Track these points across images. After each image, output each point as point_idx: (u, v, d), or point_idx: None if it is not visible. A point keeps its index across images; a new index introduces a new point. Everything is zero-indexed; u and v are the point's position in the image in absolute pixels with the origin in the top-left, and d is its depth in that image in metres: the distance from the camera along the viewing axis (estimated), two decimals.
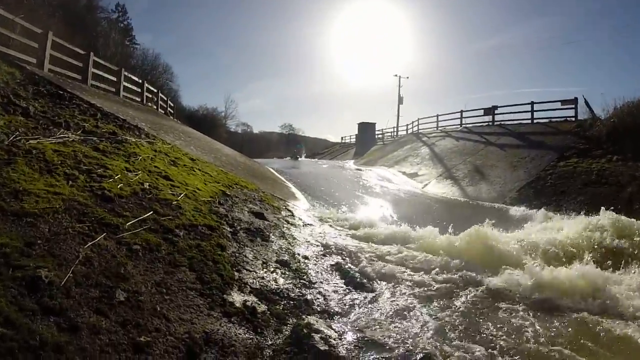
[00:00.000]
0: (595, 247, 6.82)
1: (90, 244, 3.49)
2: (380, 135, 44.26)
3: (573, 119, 18.60)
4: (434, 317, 4.30)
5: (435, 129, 28.79)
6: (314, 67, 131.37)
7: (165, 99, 25.06)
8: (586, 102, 18.46)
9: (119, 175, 5.33)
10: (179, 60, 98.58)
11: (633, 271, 5.70)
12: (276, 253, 5.43)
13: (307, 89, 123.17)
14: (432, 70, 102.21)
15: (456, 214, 11.38)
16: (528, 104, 20.67)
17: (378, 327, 3.95)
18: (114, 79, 16.78)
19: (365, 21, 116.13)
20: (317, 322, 3.74)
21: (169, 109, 25.31)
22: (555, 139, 16.99)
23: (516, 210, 11.57)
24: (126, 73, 17.68)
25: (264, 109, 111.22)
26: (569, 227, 7.84)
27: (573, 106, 18.82)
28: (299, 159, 36.78)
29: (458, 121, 26.33)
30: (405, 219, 9.57)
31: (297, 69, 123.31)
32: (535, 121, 20.03)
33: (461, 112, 26.03)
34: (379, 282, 5.28)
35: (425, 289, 5.14)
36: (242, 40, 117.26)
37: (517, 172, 15.31)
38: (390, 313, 4.33)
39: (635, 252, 6.47)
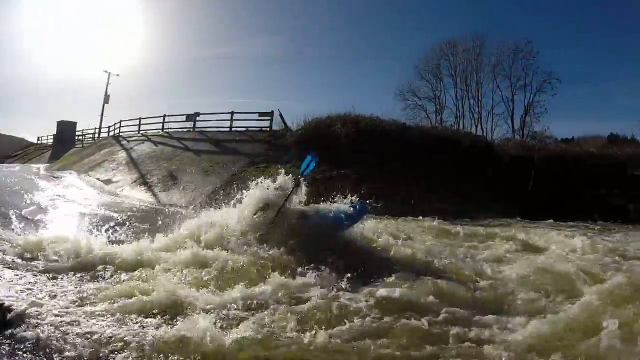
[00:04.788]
0: None
1: None
2: (81, 137, 39.08)
3: (268, 129, 19.61)
4: None
5: (137, 132, 26.78)
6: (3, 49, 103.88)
7: None
8: (281, 115, 19.86)
9: None
10: None
11: None
12: None
13: None
14: (149, 70, 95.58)
15: (148, 221, 10.13)
16: (229, 113, 21.00)
17: None
18: None
19: (75, 4, 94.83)
20: None
21: None
22: (250, 146, 17.65)
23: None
24: None
25: None
26: None
27: (269, 118, 19.91)
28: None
29: (161, 125, 24.96)
30: (91, 231, 7.85)
31: None
32: (234, 130, 20.43)
33: (164, 116, 24.77)
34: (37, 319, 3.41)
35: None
36: None
37: (209, 177, 15.06)
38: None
39: None
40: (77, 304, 3.87)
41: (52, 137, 42.50)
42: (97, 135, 36.49)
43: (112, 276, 4.83)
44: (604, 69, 55.16)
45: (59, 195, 13.44)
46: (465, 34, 44.50)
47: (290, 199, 6.24)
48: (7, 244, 5.81)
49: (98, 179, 18.55)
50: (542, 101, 29.77)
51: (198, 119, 22.49)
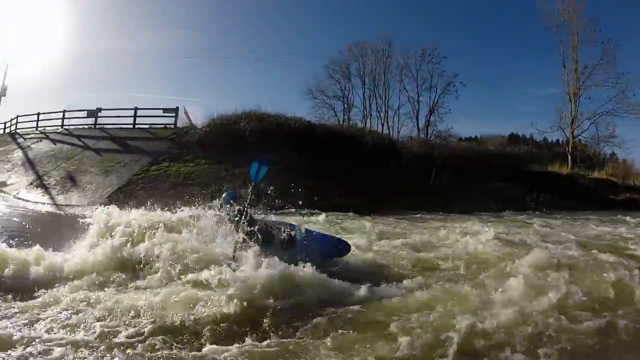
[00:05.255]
0: None
1: None
2: None
3: (172, 126, 19.52)
4: None
5: (35, 129, 25.24)
6: None
7: None
8: (185, 112, 19.75)
9: None
10: None
11: None
12: None
13: None
14: (50, 63, 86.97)
15: (43, 227, 9.81)
16: (132, 109, 20.42)
17: None
18: None
19: None
20: None
21: None
22: (153, 144, 17.46)
23: None
24: None
25: None
26: None
27: (174, 114, 19.81)
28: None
29: (61, 122, 23.64)
30: None
31: None
32: (137, 126, 19.88)
33: (64, 112, 23.38)
34: None
35: None
36: None
37: (110, 177, 14.90)
38: None
39: None
40: None
41: None
42: None
43: None
44: (509, 74, 62.45)
45: None
46: (375, 35, 46.05)
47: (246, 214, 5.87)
48: None
49: None
50: (446, 102, 31.69)
51: (100, 114, 21.61)
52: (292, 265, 5.12)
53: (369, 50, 32.86)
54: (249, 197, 5.93)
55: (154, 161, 15.55)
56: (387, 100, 33.00)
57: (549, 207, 19.63)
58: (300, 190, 15.24)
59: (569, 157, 31.36)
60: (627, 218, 14.24)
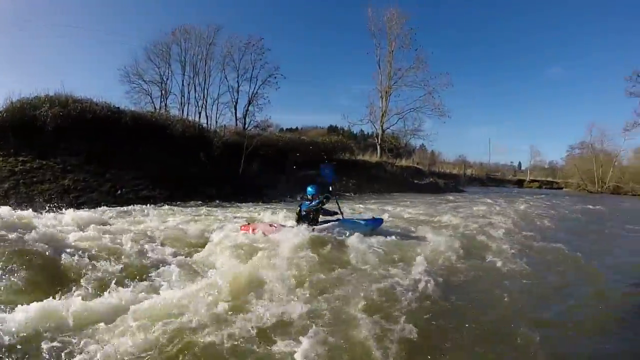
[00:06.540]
0: None
1: None
2: None
3: None
4: None
5: None
6: None
7: None
8: None
9: None
10: None
11: None
12: None
13: None
14: None
15: None
16: None
17: None
18: None
19: None
20: None
21: None
22: None
23: None
24: None
25: None
26: None
27: None
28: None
29: None
30: None
31: None
32: None
33: None
34: None
35: None
36: None
37: None
38: None
39: None
40: None
41: None
42: None
43: None
44: (333, 70, 69.79)
45: None
46: (202, 21, 45.12)
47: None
48: None
49: None
50: (266, 93, 32.54)
51: None
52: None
53: (193, 36, 32.35)
54: (332, 191, 8.63)
55: None
56: (206, 88, 32.91)
57: (358, 191, 23.22)
58: (103, 183, 15.41)
59: (379, 147, 36.84)
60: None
